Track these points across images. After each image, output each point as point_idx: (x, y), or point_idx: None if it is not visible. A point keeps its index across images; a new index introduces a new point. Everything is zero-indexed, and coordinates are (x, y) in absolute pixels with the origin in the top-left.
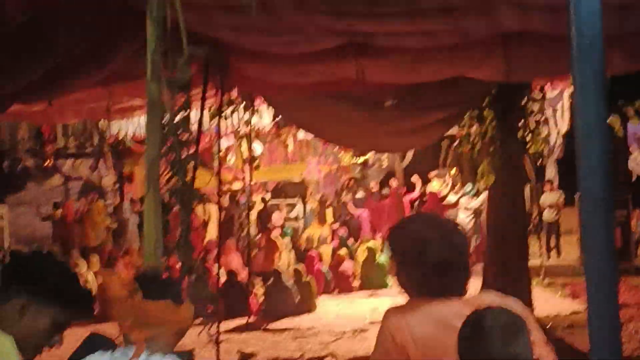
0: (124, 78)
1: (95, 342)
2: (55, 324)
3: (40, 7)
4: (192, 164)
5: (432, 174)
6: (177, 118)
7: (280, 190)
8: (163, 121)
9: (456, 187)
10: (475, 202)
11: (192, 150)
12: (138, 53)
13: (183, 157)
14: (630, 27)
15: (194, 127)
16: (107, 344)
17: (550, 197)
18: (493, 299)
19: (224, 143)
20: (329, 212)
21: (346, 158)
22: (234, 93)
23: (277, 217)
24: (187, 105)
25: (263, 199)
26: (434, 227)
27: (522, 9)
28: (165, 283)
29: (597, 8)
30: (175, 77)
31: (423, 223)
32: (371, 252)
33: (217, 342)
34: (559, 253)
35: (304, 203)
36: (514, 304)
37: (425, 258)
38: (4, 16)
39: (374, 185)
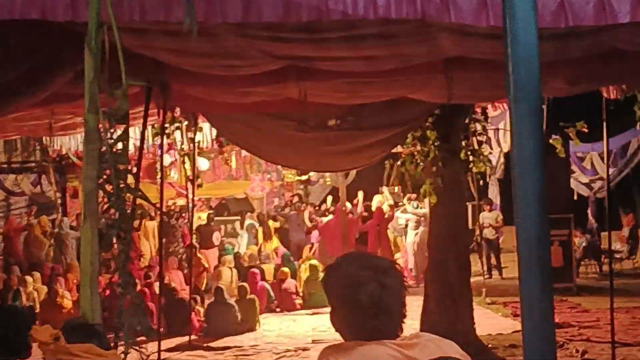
0: (65, 99)
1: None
2: None
3: None
4: (130, 196)
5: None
6: (116, 148)
7: (224, 207)
8: (101, 151)
9: (400, 204)
10: (420, 210)
11: (130, 182)
12: (78, 75)
13: (121, 186)
14: (569, 54)
15: (136, 142)
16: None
17: (489, 216)
18: (427, 342)
19: (167, 159)
20: (272, 229)
21: (290, 175)
22: (177, 111)
23: (216, 236)
24: (125, 136)
25: (208, 215)
26: (367, 268)
27: (462, 36)
28: (89, 328)
29: (534, 37)
30: (114, 109)
31: (356, 264)
32: (314, 269)
33: None
34: (500, 272)
35: (243, 220)
36: (450, 349)
37: (359, 301)
38: None
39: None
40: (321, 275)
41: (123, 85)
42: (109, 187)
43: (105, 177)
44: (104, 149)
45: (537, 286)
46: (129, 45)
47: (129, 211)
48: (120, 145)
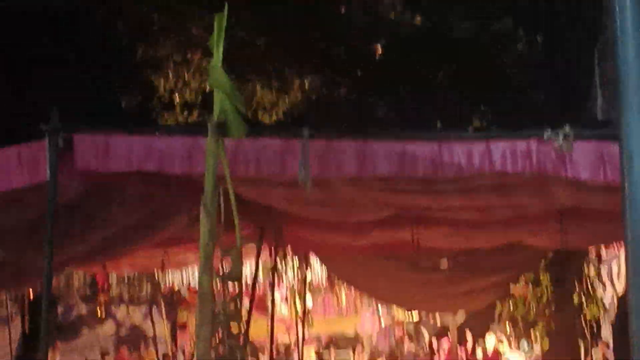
0: (179, 241)
1: None
2: None
3: (94, 182)
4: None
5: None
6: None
7: (334, 344)
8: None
9: (512, 344)
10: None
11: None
12: (192, 219)
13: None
14: None
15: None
16: None
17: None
18: None
19: (278, 295)
20: None
21: (400, 312)
22: (289, 250)
23: None
24: (239, 296)
25: (319, 354)
26: None
27: (577, 189)
28: None
29: None
30: (227, 273)
31: None
32: None
33: None
34: None
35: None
36: None
37: None
38: (62, 190)
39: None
40: None
41: (237, 247)
42: (221, 349)
43: (218, 338)
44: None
45: None
46: (243, 194)
47: None
48: (233, 306)
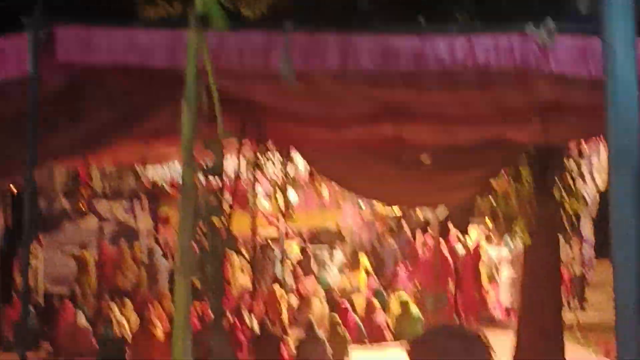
0: (161, 134)
1: None
2: None
3: (76, 75)
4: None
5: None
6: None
7: (316, 238)
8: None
9: (493, 240)
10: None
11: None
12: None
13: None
14: None
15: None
16: None
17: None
18: None
19: (259, 189)
20: (363, 260)
21: (382, 207)
22: (270, 144)
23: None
24: (220, 191)
25: (303, 249)
26: (456, 340)
27: (559, 83)
28: None
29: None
30: (210, 165)
31: (446, 337)
32: (405, 305)
33: None
34: (582, 307)
35: (332, 250)
36: None
37: None
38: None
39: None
40: (413, 311)
41: (219, 140)
42: (203, 241)
43: (200, 231)
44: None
45: (633, 324)
46: (225, 89)
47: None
48: (215, 199)
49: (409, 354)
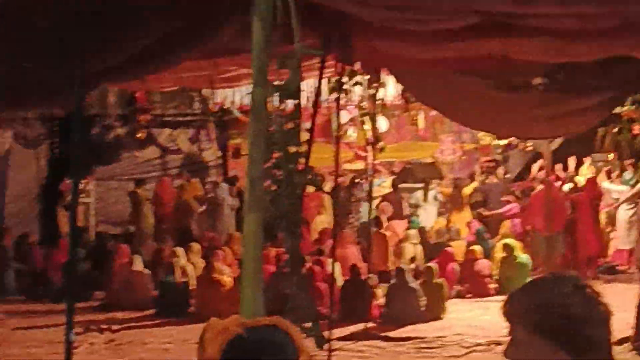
0: (230, 52)
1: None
2: None
3: None
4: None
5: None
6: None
7: (408, 173)
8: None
9: (613, 175)
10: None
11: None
12: (245, 27)
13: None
14: None
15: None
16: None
17: None
18: None
19: (345, 116)
20: (464, 200)
21: (486, 137)
22: (357, 65)
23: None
24: (297, 115)
25: (394, 181)
26: (579, 296)
27: None
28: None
29: None
30: (284, 84)
31: (566, 292)
32: (510, 249)
33: (330, 352)
34: None
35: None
36: None
37: (573, 336)
38: None
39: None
40: (519, 257)
41: (296, 55)
42: (277, 173)
43: (273, 160)
44: (272, 127)
45: None
46: None
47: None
48: (291, 125)
49: (504, 307)
